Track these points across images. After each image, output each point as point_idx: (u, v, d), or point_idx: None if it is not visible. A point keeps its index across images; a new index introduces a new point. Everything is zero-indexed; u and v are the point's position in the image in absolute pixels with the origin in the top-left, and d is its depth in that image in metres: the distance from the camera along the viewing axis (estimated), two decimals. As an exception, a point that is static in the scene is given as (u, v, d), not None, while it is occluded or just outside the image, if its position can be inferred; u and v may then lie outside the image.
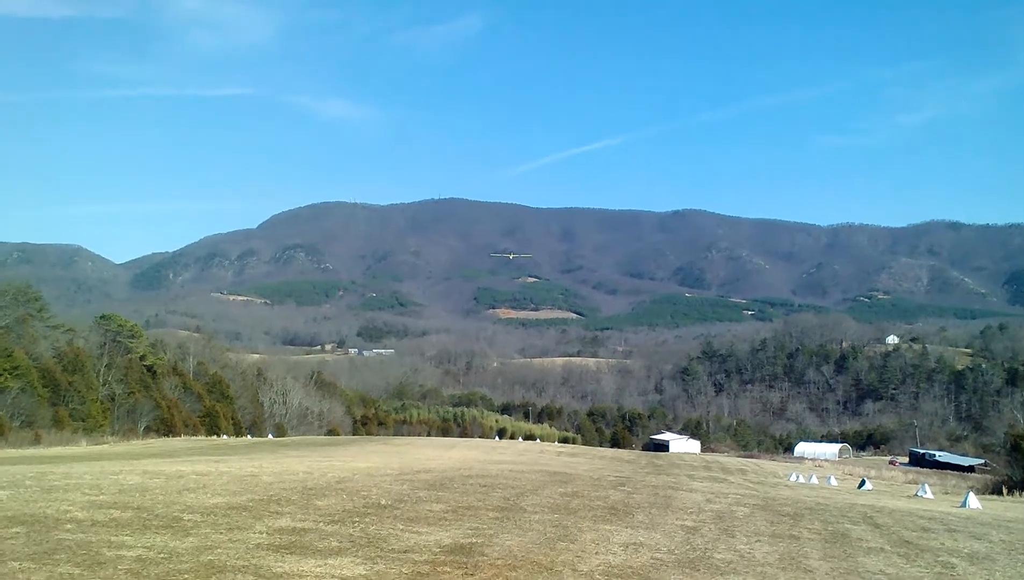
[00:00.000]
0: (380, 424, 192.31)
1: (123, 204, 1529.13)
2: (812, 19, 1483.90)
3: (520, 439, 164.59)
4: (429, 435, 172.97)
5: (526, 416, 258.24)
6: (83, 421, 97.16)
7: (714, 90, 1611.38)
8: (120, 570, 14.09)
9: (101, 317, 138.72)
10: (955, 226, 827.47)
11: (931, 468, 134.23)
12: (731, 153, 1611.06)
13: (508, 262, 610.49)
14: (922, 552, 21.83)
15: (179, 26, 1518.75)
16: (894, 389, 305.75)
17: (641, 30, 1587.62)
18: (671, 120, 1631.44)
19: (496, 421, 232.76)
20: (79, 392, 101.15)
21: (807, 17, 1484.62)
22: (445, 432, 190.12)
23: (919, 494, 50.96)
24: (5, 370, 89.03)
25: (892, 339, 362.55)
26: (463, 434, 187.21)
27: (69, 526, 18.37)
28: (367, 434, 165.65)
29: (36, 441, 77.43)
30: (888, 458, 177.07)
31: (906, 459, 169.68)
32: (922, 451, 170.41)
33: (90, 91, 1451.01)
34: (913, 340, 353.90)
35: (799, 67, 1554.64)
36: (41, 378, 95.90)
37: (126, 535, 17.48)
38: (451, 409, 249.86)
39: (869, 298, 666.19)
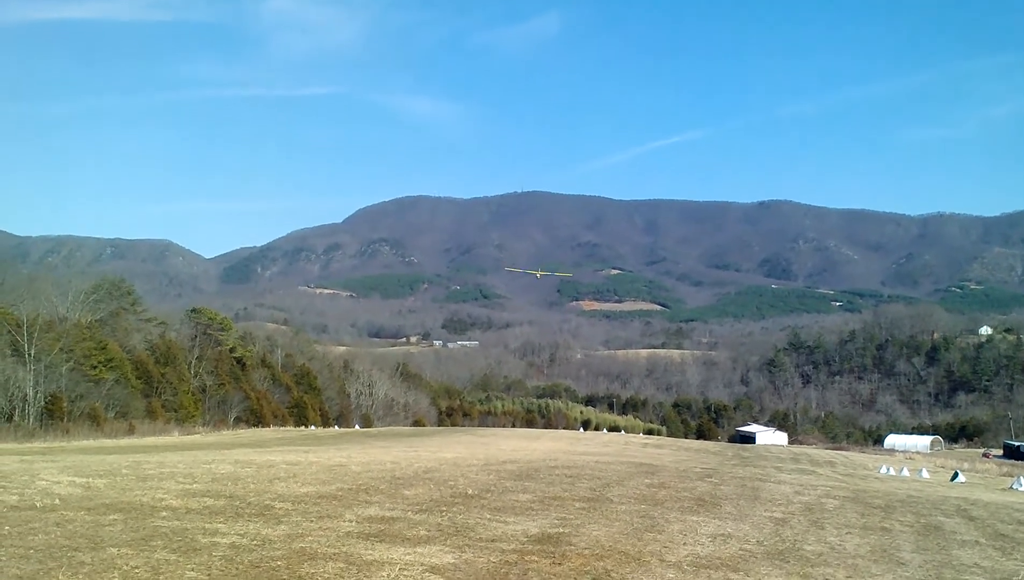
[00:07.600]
0: (465, 415, 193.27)
1: (213, 200, 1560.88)
2: (899, 11, 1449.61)
3: (604, 430, 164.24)
4: (514, 426, 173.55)
5: (610, 407, 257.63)
6: (175, 412, 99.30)
7: (800, 82, 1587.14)
8: (215, 556, 14.35)
9: (192, 310, 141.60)
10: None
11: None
12: (818, 144, 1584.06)
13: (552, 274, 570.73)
14: (1018, 545, 21.38)
15: (269, 29, 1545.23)
16: (987, 380, 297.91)
17: (725, 24, 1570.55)
18: (757, 112, 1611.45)
19: (580, 412, 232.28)
20: (171, 383, 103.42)
21: (894, 9, 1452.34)
22: (529, 423, 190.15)
23: (1014, 487, 49.74)
24: (100, 362, 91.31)
25: (985, 330, 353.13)
26: (547, 425, 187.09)
27: (164, 513, 18.76)
28: (452, 425, 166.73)
29: (130, 431, 79.36)
30: (982, 450, 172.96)
31: (1000, 451, 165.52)
32: (1017, 443, 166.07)
33: (183, 92, 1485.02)
34: (1007, 330, 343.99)
35: (886, 59, 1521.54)
36: (135, 370, 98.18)
37: (219, 523, 17.80)
38: (535, 400, 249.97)
39: (961, 288, 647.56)
